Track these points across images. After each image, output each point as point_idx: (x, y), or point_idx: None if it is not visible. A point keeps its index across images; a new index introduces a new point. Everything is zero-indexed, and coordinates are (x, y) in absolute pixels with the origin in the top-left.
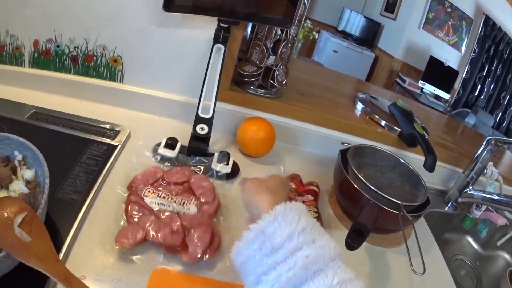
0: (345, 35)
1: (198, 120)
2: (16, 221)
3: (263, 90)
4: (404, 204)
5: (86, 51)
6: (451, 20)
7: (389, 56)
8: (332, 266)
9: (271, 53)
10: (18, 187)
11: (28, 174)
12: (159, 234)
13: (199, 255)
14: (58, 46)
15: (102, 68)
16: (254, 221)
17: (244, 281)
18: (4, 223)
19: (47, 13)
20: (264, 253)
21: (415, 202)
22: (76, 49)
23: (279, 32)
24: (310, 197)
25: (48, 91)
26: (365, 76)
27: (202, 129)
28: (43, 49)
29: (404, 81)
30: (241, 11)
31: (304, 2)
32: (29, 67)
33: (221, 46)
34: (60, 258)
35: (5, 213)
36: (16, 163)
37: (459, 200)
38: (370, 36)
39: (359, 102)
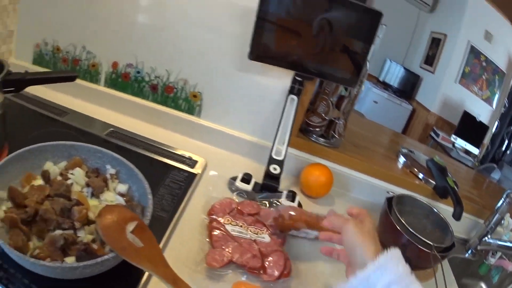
0: (385, 85)
1: (272, 160)
2: (128, 228)
3: (324, 140)
4: (434, 245)
5: (167, 82)
6: (485, 74)
7: (425, 110)
8: None
9: (334, 107)
10: (110, 197)
11: (122, 188)
12: (243, 258)
13: (277, 276)
14: (138, 72)
15: (181, 101)
16: (355, 266)
17: None
18: (117, 228)
19: (131, 40)
20: None
21: (443, 244)
22: (157, 78)
23: (343, 89)
24: None
25: (123, 113)
26: (401, 127)
27: (275, 169)
28: (122, 72)
29: (437, 135)
30: (315, 68)
31: (366, 64)
32: (105, 86)
33: (295, 97)
34: None
35: (116, 218)
36: (108, 176)
37: (478, 247)
38: (408, 87)
39: (401, 156)
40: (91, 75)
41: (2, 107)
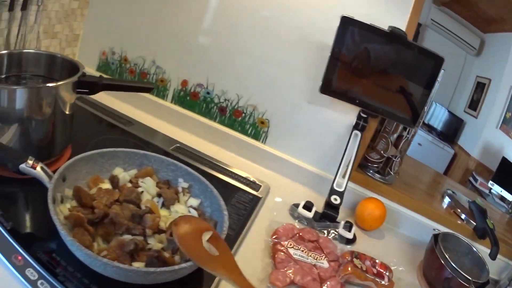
0: (429, 128)
1: (333, 191)
2: (204, 237)
3: (379, 176)
4: (473, 280)
5: (237, 106)
6: None
7: (466, 154)
8: None
9: (393, 145)
10: (181, 210)
11: (194, 202)
12: (304, 280)
13: None
14: (208, 93)
15: (248, 126)
16: None
17: None
18: (193, 237)
19: (204, 61)
20: None
21: (480, 280)
22: (227, 101)
23: (402, 129)
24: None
25: (188, 130)
26: (442, 170)
27: (335, 199)
28: (192, 90)
29: (476, 181)
30: (379, 107)
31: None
32: (171, 102)
33: (359, 133)
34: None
35: (192, 228)
36: (180, 189)
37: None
38: (451, 131)
39: (447, 197)
40: (159, 90)
41: (72, 107)
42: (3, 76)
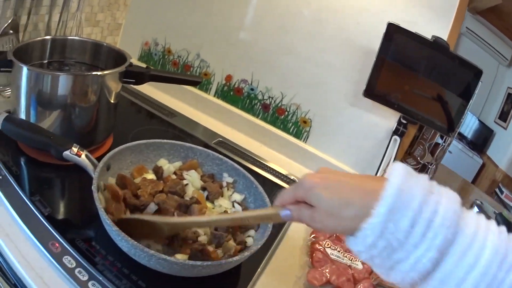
0: (460, 136)
1: None
2: None
3: None
4: None
5: (280, 104)
6: None
7: (494, 165)
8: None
9: (429, 152)
10: (226, 204)
11: (237, 197)
12: (339, 280)
13: None
14: (252, 89)
15: (291, 124)
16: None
17: None
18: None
19: (250, 57)
20: None
21: None
22: (270, 99)
23: (439, 137)
24: None
25: (231, 126)
26: (469, 179)
27: None
28: (235, 86)
29: (502, 193)
30: (420, 114)
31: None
32: (214, 96)
33: (398, 138)
34: (258, 271)
35: None
36: (224, 183)
37: None
38: (480, 141)
39: (475, 207)
40: (202, 83)
41: (117, 97)
42: (45, 62)
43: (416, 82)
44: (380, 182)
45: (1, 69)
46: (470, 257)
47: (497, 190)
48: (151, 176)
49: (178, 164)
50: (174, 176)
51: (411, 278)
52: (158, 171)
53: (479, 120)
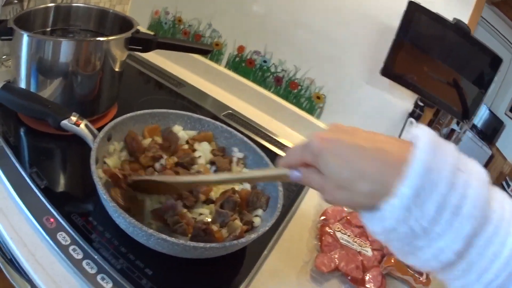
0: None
1: None
2: None
3: None
4: None
5: (293, 78)
6: None
7: (502, 158)
8: None
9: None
10: None
11: None
12: (348, 267)
13: None
14: (265, 61)
15: (304, 99)
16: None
17: None
18: None
19: (264, 29)
20: None
21: None
22: (283, 72)
23: (454, 123)
24: None
25: (242, 98)
26: None
27: None
28: (248, 57)
29: (508, 186)
30: (439, 98)
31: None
32: (226, 67)
33: (414, 120)
34: (264, 253)
35: None
36: (234, 159)
37: None
38: (490, 131)
39: None
40: (213, 53)
41: (123, 65)
42: (48, 29)
43: (434, 64)
44: (403, 151)
45: (2, 37)
46: (495, 246)
47: (504, 183)
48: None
49: (192, 133)
50: (186, 146)
51: (431, 266)
52: (169, 136)
53: (489, 110)
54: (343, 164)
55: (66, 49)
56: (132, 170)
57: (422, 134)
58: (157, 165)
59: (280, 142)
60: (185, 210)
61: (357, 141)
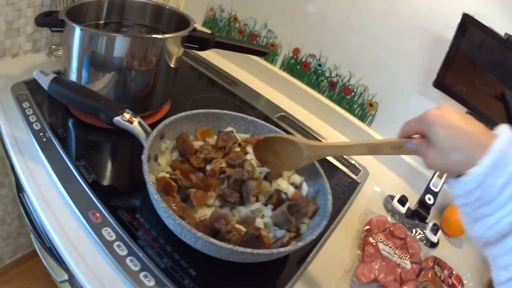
0: None
1: (428, 190)
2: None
3: None
4: None
5: (347, 84)
6: None
7: None
8: None
9: None
10: (283, 185)
11: (297, 179)
12: (386, 279)
13: None
14: (320, 65)
15: (356, 105)
16: (457, 166)
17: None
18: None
19: (320, 32)
20: None
21: None
22: (338, 77)
23: None
24: None
25: (295, 101)
26: None
27: (429, 199)
28: (303, 60)
29: None
30: (488, 114)
31: None
32: (280, 68)
33: None
34: (308, 260)
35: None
36: None
37: None
38: None
39: None
40: (268, 54)
41: (178, 61)
42: (101, 22)
43: (484, 78)
44: (489, 139)
45: (52, 29)
46: None
47: None
48: (213, 141)
49: (245, 136)
50: (238, 148)
51: (488, 236)
52: (225, 137)
53: None
54: (447, 137)
55: (120, 45)
56: (181, 170)
57: (506, 130)
58: (208, 167)
59: None
60: (234, 222)
61: (459, 124)
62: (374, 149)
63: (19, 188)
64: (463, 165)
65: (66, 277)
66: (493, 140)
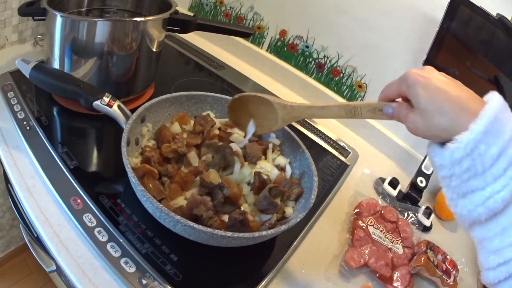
0: None
1: (420, 173)
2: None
3: None
4: None
5: (336, 65)
6: None
7: None
8: None
9: None
10: (267, 167)
11: (282, 161)
12: (377, 264)
13: None
14: (307, 47)
15: (345, 87)
16: (443, 131)
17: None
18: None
19: (307, 14)
20: None
21: None
22: (325, 58)
23: None
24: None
25: (281, 82)
26: None
27: (421, 181)
28: (290, 42)
29: None
30: (479, 95)
31: None
32: (267, 51)
33: None
34: (294, 244)
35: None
36: (270, 145)
37: None
38: None
39: None
40: (255, 37)
41: (160, 45)
42: (83, 9)
43: (476, 60)
44: (478, 104)
45: (35, 17)
46: None
47: None
48: (190, 127)
49: (224, 120)
50: (217, 132)
51: (478, 213)
52: (200, 121)
53: None
54: (429, 98)
55: (101, 30)
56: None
57: (496, 96)
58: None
59: (318, 129)
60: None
61: (443, 85)
62: (352, 111)
63: (7, 179)
64: (448, 131)
65: (54, 267)
66: (483, 106)
